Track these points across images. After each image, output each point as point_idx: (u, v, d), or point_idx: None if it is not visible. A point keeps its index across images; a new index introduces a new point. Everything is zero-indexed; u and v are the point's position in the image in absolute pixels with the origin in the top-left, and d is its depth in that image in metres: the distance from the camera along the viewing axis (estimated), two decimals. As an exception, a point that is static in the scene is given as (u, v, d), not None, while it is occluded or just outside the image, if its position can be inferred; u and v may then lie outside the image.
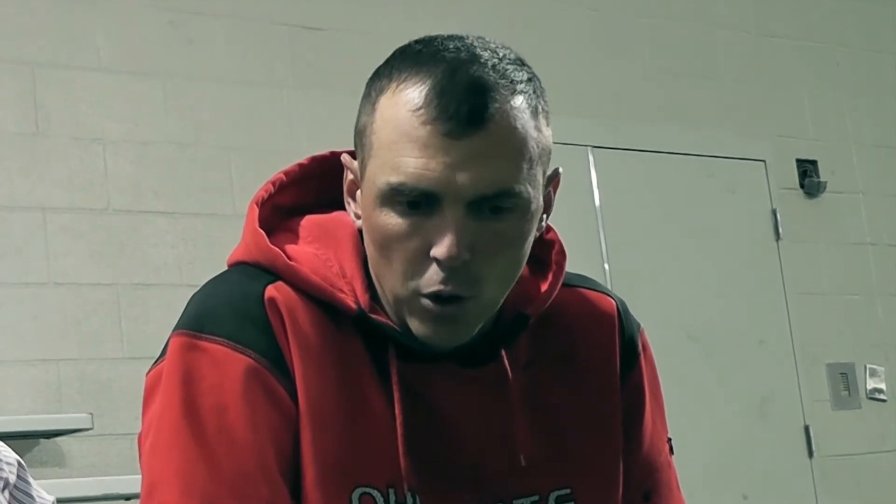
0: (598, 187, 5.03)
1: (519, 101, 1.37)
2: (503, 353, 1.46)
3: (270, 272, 1.42)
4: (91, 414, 3.83)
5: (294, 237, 1.47)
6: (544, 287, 1.50)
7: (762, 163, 5.49)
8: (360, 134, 1.40)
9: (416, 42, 1.41)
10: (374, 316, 1.42)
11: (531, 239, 1.41)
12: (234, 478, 1.34)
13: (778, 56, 5.66)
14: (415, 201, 1.35)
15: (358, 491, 1.38)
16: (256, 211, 1.46)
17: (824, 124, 5.73)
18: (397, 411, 1.40)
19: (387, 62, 1.41)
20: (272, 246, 1.43)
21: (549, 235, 1.53)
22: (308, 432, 1.37)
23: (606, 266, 4.97)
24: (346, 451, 1.38)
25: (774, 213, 5.47)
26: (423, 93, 1.35)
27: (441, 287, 1.36)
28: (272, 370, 1.37)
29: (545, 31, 5.03)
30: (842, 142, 5.77)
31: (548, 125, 1.42)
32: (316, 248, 1.45)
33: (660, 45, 5.36)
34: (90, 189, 4.09)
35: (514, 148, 1.35)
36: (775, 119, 5.59)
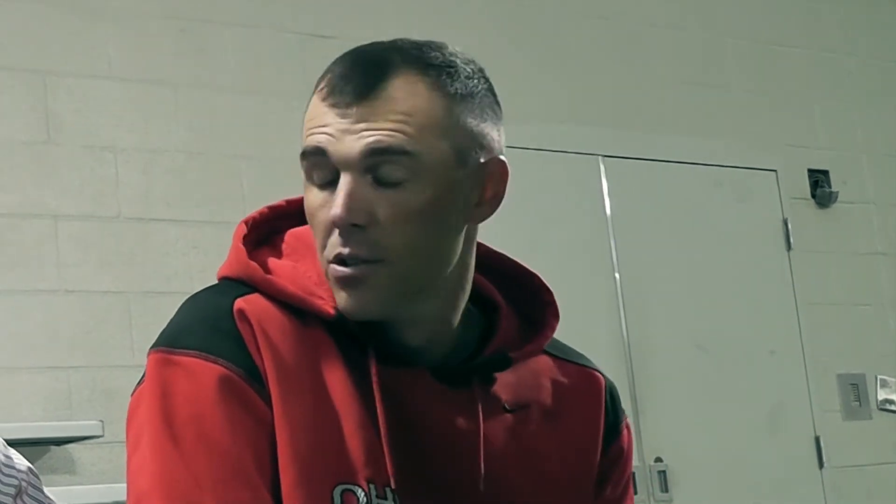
0: (609, 196, 5.02)
1: (418, 76, 1.43)
2: (480, 382, 1.50)
3: (250, 285, 1.47)
4: (101, 421, 3.83)
5: (276, 252, 1.53)
6: (534, 339, 1.56)
7: (773, 172, 5.48)
8: None
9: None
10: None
11: (449, 217, 1.45)
12: (215, 484, 1.38)
13: (789, 66, 5.66)
14: (325, 180, 1.43)
15: (339, 488, 1.41)
16: (244, 229, 1.53)
17: (836, 134, 5.73)
18: (379, 410, 1.43)
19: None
20: (250, 261, 1.48)
21: (548, 297, 1.59)
22: (285, 435, 1.40)
23: (617, 275, 4.96)
24: (325, 451, 1.42)
25: (785, 222, 5.47)
26: (328, 78, 1.45)
27: (340, 249, 1.42)
28: (245, 378, 1.41)
29: (555, 39, 5.03)
30: (853, 152, 5.76)
31: (476, 110, 1.46)
32: (294, 260, 1.51)
33: (671, 55, 5.36)
34: (101, 197, 4.10)
35: (406, 115, 1.41)
36: (786, 129, 5.59)
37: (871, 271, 5.69)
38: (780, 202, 5.48)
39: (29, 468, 1.80)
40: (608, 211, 5.03)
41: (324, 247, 1.44)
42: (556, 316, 1.58)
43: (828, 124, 5.71)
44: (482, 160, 1.46)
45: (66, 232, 4.02)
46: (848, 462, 5.39)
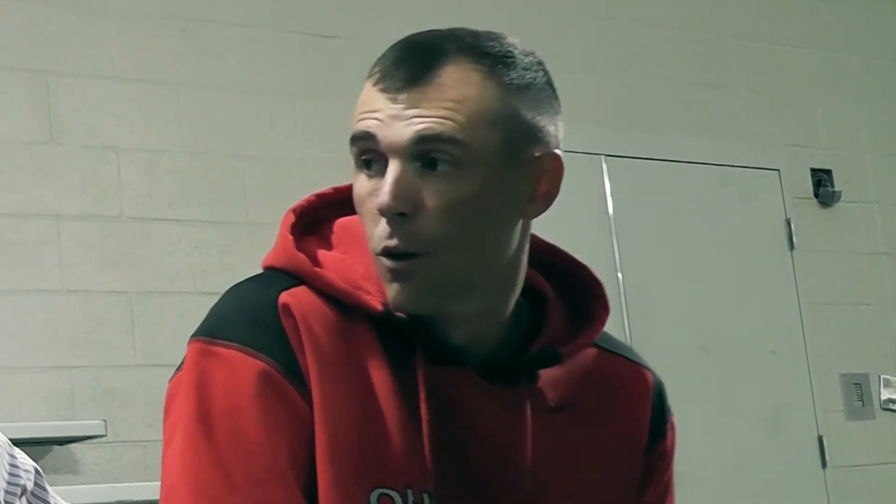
0: (612, 196, 5.02)
1: (472, 65, 1.39)
2: (527, 379, 1.47)
3: (296, 277, 1.43)
4: (104, 421, 3.83)
5: (325, 242, 1.49)
6: (583, 333, 1.51)
7: (776, 172, 5.48)
8: None
9: None
10: (399, 315, 1.42)
11: (498, 210, 1.41)
12: (247, 481, 1.35)
13: (792, 65, 5.66)
14: (371, 161, 1.40)
15: (376, 492, 1.39)
16: (292, 218, 1.49)
17: (838, 134, 5.72)
18: (423, 411, 1.40)
19: None
20: (297, 252, 1.45)
21: (598, 290, 1.55)
22: (324, 435, 1.37)
23: (620, 275, 4.96)
24: (364, 452, 1.39)
25: (788, 222, 5.46)
26: (380, 63, 1.42)
27: (387, 242, 1.39)
28: (285, 375, 1.38)
29: (558, 40, 5.03)
30: (856, 151, 5.76)
31: (532, 102, 1.42)
32: (343, 252, 1.47)
33: (673, 54, 5.35)
34: (103, 197, 4.10)
35: (457, 102, 1.38)
36: (789, 128, 5.58)
37: (874, 271, 5.69)
38: (783, 202, 5.47)
39: (35, 468, 1.81)
40: (611, 211, 5.02)
41: (371, 237, 1.41)
42: (605, 309, 1.54)
43: (831, 124, 5.71)
44: (536, 154, 1.43)
45: (67, 232, 4.02)
46: (851, 462, 5.39)
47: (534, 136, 1.42)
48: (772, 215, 5.45)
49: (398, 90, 1.38)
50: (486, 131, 1.38)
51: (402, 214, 1.38)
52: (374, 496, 1.38)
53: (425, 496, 1.40)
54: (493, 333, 1.47)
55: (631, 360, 1.59)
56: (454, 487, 1.41)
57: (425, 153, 1.38)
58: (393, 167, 1.38)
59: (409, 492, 1.39)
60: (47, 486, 1.83)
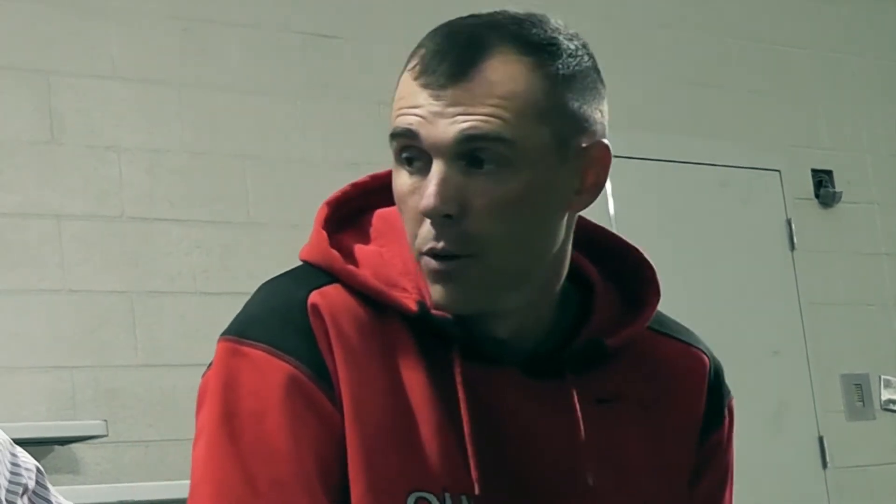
0: (613, 196, 5.02)
1: (517, 56, 1.34)
2: (577, 373, 1.42)
3: (330, 274, 1.40)
4: (105, 421, 3.83)
5: (363, 235, 1.45)
6: (633, 322, 1.47)
7: (777, 173, 5.48)
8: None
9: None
10: (435, 313, 1.38)
11: (547, 206, 1.37)
12: (270, 486, 1.33)
13: (793, 66, 5.66)
14: (412, 157, 1.35)
15: (414, 496, 1.36)
16: (325, 211, 1.45)
17: (839, 134, 5.72)
18: (463, 412, 1.37)
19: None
20: (331, 248, 1.41)
21: (649, 273, 1.51)
22: (357, 439, 1.35)
23: (620, 275, 4.96)
24: (401, 455, 1.36)
25: (789, 223, 5.46)
26: (420, 54, 1.36)
27: (433, 244, 1.35)
28: (314, 379, 1.35)
29: (559, 40, 5.02)
30: (857, 152, 5.76)
31: (578, 91, 1.38)
32: (380, 245, 1.44)
33: (674, 55, 5.35)
34: (104, 197, 4.10)
35: (502, 98, 1.33)
36: (790, 129, 5.58)
37: (875, 271, 5.69)
38: (784, 202, 5.47)
39: (36, 467, 1.81)
40: (612, 211, 5.02)
41: (415, 236, 1.36)
42: (657, 293, 1.49)
43: (831, 124, 5.71)
44: (584, 145, 1.38)
45: (69, 232, 4.02)
46: (851, 462, 5.39)
47: (581, 126, 1.38)
48: (772, 216, 5.45)
49: (441, 86, 1.33)
50: (534, 127, 1.34)
51: (447, 216, 1.34)
52: (411, 499, 1.35)
53: (463, 498, 1.37)
54: (538, 325, 1.43)
55: (687, 343, 1.53)
56: (496, 489, 1.38)
57: (471, 152, 1.33)
58: (437, 167, 1.34)
59: (448, 495, 1.36)
60: (49, 485, 1.83)
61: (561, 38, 1.39)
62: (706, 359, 1.53)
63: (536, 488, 1.40)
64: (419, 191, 1.35)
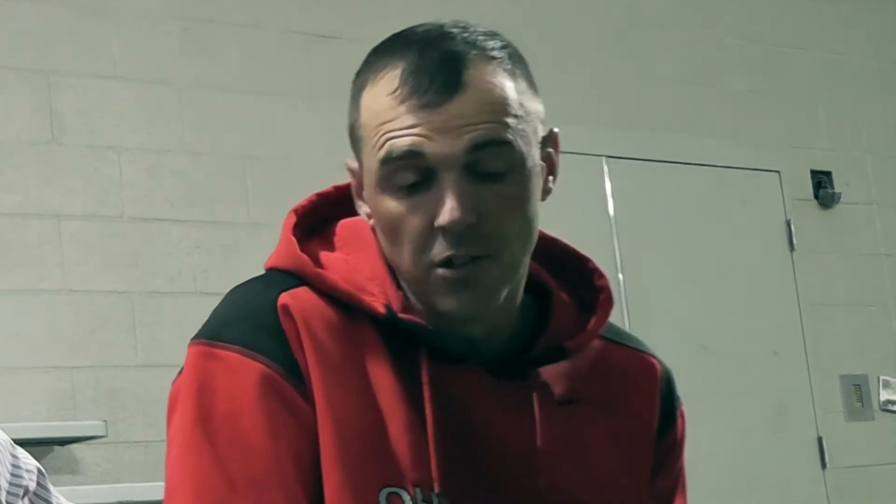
0: (613, 197, 5.02)
1: (493, 65, 1.40)
2: (535, 374, 1.46)
3: (298, 278, 1.43)
4: (105, 421, 3.83)
5: (328, 244, 1.49)
6: (587, 326, 1.51)
7: (776, 173, 5.48)
8: (351, 133, 1.44)
9: (388, 37, 1.46)
10: (402, 316, 1.42)
11: (537, 197, 1.44)
12: (248, 484, 1.35)
13: (792, 66, 5.66)
14: (411, 183, 1.38)
15: (385, 491, 1.38)
16: (294, 218, 1.48)
17: (839, 135, 5.72)
18: (428, 410, 1.40)
19: (364, 62, 1.45)
20: (301, 253, 1.44)
21: (601, 282, 1.56)
22: (330, 437, 1.37)
23: (620, 276, 4.96)
24: (373, 453, 1.39)
25: (788, 223, 5.46)
26: (398, 75, 1.39)
27: (452, 252, 1.38)
28: (287, 377, 1.38)
29: (559, 40, 5.03)
30: (856, 153, 5.76)
31: (531, 88, 1.45)
32: (346, 253, 1.47)
33: (674, 55, 5.36)
34: (105, 197, 4.10)
35: (495, 105, 1.39)
36: (790, 130, 5.58)
37: (874, 272, 5.69)
38: (783, 203, 5.48)
39: (37, 468, 1.81)
40: (611, 212, 5.02)
41: (420, 251, 1.39)
42: (610, 300, 1.54)
43: (831, 125, 5.71)
44: (543, 134, 1.46)
45: (69, 232, 4.02)
46: (850, 463, 5.39)
47: (539, 118, 1.45)
48: (772, 217, 5.45)
49: (438, 103, 1.37)
50: (520, 126, 1.40)
51: (469, 225, 1.37)
52: (382, 495, 1.38)
53: (433, 495, 1.39)
54: (507, 326, 1.47)
55: (638, 351, 1.58)
56: (464, 484, 1.41)
57: (477, 160, 1.38)
58: (450, 180, 1.37)
59: (419, 490, 1.39)
60: (50, 486, 1.83)
61: (504, 40, 1.45)
62: (658, 365, 1.59)
63: (500, 485, 1.44)
64: (422, 208, 1.38)
